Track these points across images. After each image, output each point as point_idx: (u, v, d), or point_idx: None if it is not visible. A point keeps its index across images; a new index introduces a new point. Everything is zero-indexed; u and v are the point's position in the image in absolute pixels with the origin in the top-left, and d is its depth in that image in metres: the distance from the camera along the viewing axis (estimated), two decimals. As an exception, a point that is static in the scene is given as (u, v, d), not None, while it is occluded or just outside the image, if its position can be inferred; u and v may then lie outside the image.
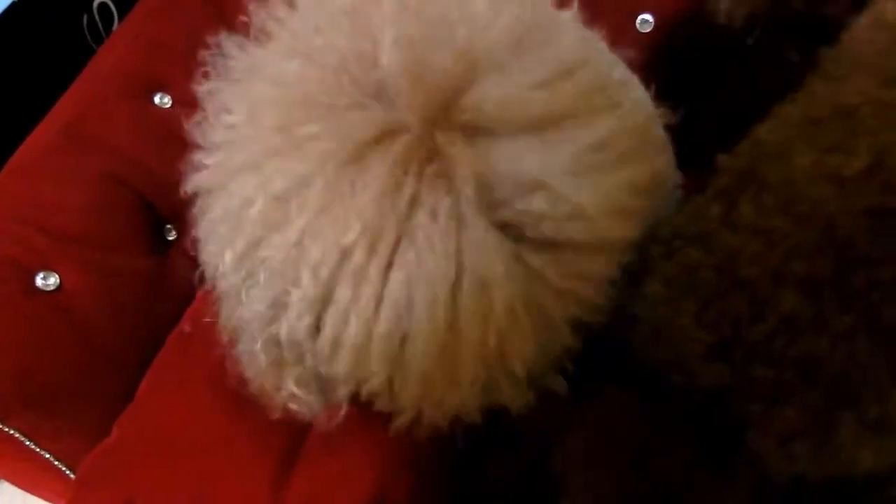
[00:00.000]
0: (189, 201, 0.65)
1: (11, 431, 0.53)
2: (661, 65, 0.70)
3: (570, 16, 0.39)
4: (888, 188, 0.33)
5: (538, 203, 0.30)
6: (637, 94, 0.41)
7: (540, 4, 0.36)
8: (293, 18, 0.35)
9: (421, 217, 0.29)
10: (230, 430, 0.52)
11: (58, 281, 0.56)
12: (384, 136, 0.30)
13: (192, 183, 0.34)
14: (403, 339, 0.30)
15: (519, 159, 0.30)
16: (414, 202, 0.29)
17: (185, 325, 0.59)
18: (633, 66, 0.62)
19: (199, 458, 0.51)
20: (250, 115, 0.33)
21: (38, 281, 0.55)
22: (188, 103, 0.71)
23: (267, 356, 0.34)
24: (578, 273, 0.34)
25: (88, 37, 0.78)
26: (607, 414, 0.40)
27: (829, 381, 0.34)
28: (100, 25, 0.80)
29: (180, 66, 0.72)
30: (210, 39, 0.74)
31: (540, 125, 0.31)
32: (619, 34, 0.65)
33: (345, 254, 0.29)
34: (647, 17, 0.69)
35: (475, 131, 0.31)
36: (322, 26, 0.33)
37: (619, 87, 0.37)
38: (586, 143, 0.32)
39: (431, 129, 0.30)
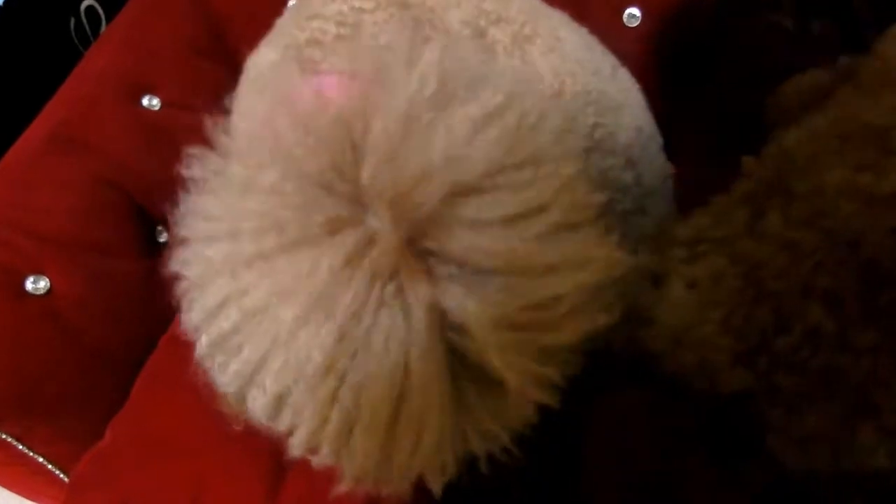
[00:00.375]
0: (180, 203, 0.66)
1: (4, 436, 0.53)
2: (654, 55, 0.70)
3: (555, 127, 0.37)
4: None
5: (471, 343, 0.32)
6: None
7: (522, 124, 0.35)
8: (273, 130, 0.35)
9: (376, 339, 0.31)
10: (224, 431, 0.52)
11: (48, 285, 0.55)
12: (353, 258, 0.31)
13: (174, 265, 0.35)
14: (351, 432, 0.32)
15: (467, 296, 0.32)
16: (373, 326, 0.31)
17: (178, 328, 0.59)
18: (624, 60, 0.63)
19: (194, 460, 0.51)
20: (229, 227, 0.33)
21: (28, 285, 0.55)
22: (176, 105, 0.71)
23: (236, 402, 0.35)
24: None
25: (76, 39, 0.78)
26: (623, 412, 0.40)
27: (850, 393, 0.34)
28: (87, 28, 0.79)
29: (168, 69, 0.72)
30: (199, 46, 0.74)
31: (496, 271, 0.32)
32: (607, 29, 0.65)
33: (303, 371, 0.31)
34: (634, 10, 0.70)
35: (437, 262, 0.32)
36: (302, 139, 0.33)
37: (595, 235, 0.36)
38: (537, 299, 0.33)
39: (400, 252, 0.31)
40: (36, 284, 0.55)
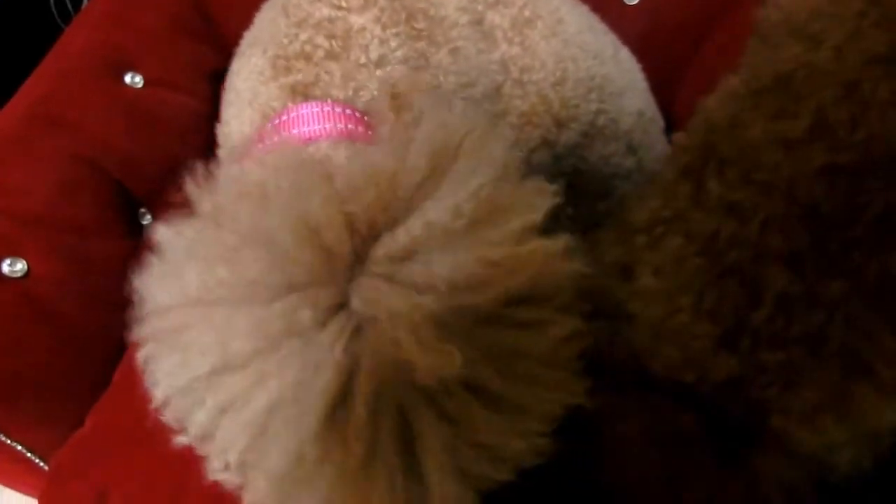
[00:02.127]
0: (163, 184, 0.64)
1: (-19, 424, 0.51)
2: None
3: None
4: (833, 146, 0.34)
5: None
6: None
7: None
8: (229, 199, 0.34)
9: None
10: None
11: (25, 267, 0.53)
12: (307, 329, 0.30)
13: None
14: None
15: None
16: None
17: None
18: (623, 39, 0.61)
19: (175, 447, 0.50)
20: (181, 297, 0.32)
21: (5, 267, 0.53)
22: (160, 83, 0.69)
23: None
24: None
25: (56, 14, 0.76)
26: (623, 418, 0.39)
27: (838, 355, 0.34)
28: (68, 4, 0.77)
29: (151, 45, 0.70)
30: (184, 23, 0.72)
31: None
32: (606, 8, 0.63)
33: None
34: (634, -10, 0.68)
35: None
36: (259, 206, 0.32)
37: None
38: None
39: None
40: (13, 267, 0.53)
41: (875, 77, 0.35)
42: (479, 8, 0.51)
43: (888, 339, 0.33)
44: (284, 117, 0.44)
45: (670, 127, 0.63)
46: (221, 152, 0.54)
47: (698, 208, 0.38)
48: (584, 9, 0.58)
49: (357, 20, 0.47)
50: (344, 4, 0.48)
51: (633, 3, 0.68)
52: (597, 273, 0.38)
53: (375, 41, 0.46)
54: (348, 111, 0.44)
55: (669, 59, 0.68)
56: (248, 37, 0.54)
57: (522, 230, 0.32)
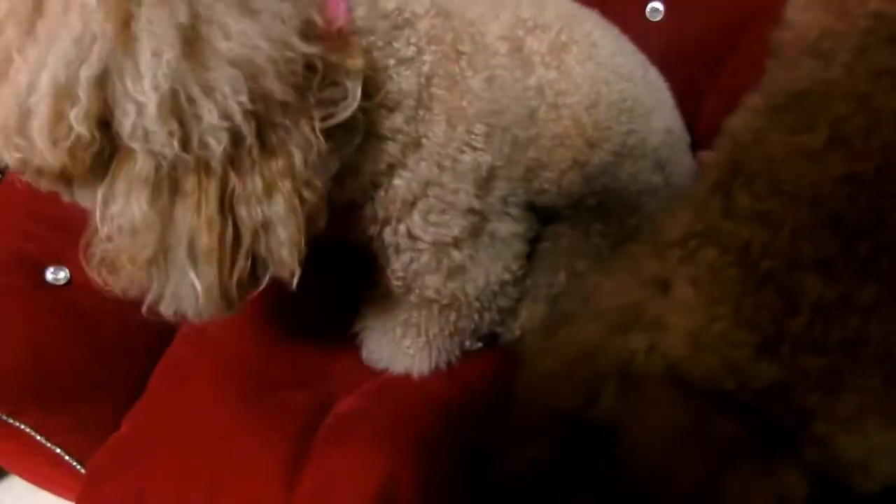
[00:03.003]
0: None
1: (22, 427, 0.53)
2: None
3: None
4: (851, 156, 0.37)
5: None
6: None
7: None
8: None
9: None
10: (240, 421, 0.52)
11: (68, 275, 0.55)
12: None
13: None
14: None
15: None
16: None
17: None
18: (647, 55, 0.62)
19: (211, 449, 0.51)
20: None
21: (49, 275, 0.55)
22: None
23: None
24: None
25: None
26: (660, 425, 0.40)
27: (878, 359, 0.34)
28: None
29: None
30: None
31: None
32: (629, 23, 0.64)
33: None
34: (657, 5, 0.69)
35: None
36: None
37: None
38: None
39: None
40: (56, 275, 0.55)
41: (885, 89, 0.37)
42: (520, 34, 0.51)
43: None
44: None
45: (694, 141, 0.64)
46: None
47: (729, 220, 0.40)
48: (616, 31, 0.59)
49: (417, 22, 0.45)
50: (410, 6, 0.46)
51: (657, 19, 0.69)
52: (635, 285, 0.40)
53: (414, 48, 0.45)
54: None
55: (692, 75, 0.69)
56: None
57: None
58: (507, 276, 0.54)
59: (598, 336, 0.42)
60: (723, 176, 0.42)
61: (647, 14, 0.69)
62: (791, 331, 0.36)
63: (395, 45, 0.44)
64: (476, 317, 0.54)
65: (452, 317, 0.53)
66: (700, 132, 0.66)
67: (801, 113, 0.40)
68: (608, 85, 0.54)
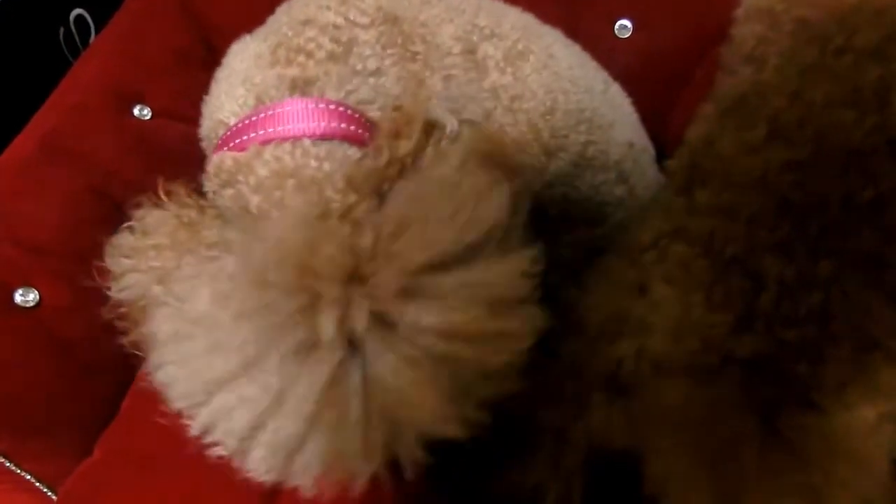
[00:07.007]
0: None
1: (-8, 452, 0.52)
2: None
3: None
4: (788, 145, 0.40)
5: None
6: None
7: None
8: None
9: None
10: (216, 444, 0.51)
11: (37, 297, 0.54)
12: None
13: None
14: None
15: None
16: None
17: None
18: (615, 72, 0.63)
19: (186, 476, 0.50)
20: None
21: (17, 297, 0.54)
22: (167, 114, 0.71)
23: None
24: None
25: (65, 49, 0.77)
26: (668, 398, 0.41)
27: (847, 331, 0.37)
28: (76, 37, 0.79)
29: (159, 78, 0.71)
30: (190, 55, 0.74)
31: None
32: (598, 40, 0.65)
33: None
34: (626, 22, 0.70)
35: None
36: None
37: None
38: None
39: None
40: (25, 297, 0.54)
41: (812, 83, 0.41)
42: (474, 39, 0.53)
43: (887, 312, 0.36)
44: (272, 111, 0.45)
45: (663, 154, 0.65)
46: (203, 128, 0.54)
47: (693, 216, 0.43)
48: (577, 48, 0.60)
49: (361, 34, 0.49)
50: (351, 17, 0.49)
51: (626, 36, 0.71)
52: (616, 296, 0.42)
53: (374, 57, 0.48)
54: (342, 108, 0.45)
55: (659, 90, 0.70)
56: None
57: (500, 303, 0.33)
58: None
59: (584, 351, 0.43)
60: (683, 179, 0.46)
61: (616, 31, 0.71)
62: (762, 307, 0.39)
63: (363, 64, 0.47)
64: None
65: None
66: (667, 145, 0.67)
67: (743, 113, 0.44)
68: (565, 94, 0.55)
